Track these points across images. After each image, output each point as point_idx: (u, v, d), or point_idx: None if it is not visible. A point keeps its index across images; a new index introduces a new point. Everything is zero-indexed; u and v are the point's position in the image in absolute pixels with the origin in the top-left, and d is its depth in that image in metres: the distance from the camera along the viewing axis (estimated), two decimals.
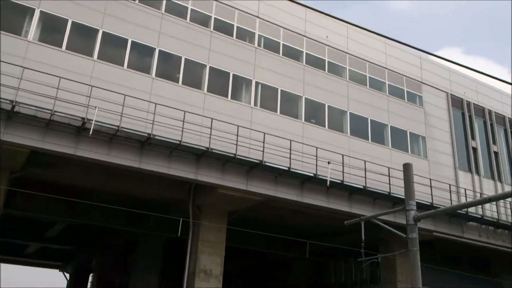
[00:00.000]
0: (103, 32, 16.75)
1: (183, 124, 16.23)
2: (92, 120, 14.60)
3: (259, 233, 18.44)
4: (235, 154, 16.87)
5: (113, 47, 17.06)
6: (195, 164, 16.81)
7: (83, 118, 14.63)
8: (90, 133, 14.52)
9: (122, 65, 16.74)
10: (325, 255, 24.21)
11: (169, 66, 18.02)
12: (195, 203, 18.52)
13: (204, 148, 16.45)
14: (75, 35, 16.24)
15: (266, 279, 32.37)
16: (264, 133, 18.01)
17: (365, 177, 19.92)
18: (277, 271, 30.57)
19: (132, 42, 17.21)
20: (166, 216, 17.56)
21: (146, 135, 15.54)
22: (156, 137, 15.67)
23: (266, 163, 17.44)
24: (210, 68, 18.62)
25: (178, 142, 15.94)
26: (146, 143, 15.76)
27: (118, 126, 15.06)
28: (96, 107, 14.78)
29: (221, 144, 16.86)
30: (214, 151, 16.62)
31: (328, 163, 18.65)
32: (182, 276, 18.24)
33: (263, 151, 17.53)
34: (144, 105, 16.12)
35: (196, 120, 16.92)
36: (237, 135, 17.24)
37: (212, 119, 17.02)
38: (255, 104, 19.27)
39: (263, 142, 17.72)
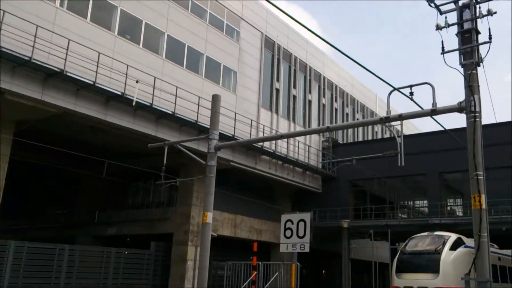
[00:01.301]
0: None
1: None
2: None
3: (52, 148, 16.85)
4: (30, 58, 14.72)
5: None
6: None
7: None
8: None
9: None
10: (124, 175, 23.72)
11: None
12: None
13: None
14: None
15: (56, 195, 30.46)
16: (69, 40, 16.06)
17: (175, 103, 19.80)
18: (69, 188, 28.97)
19: None
20: None
21: None
22: None
23: (68, 73, 15.72)
24: None
25: None
26: None
27: None
28: None
29: (14, 44, 14.44)
30: (3, 50, 14.14)
31: (137, 82, 17.82)
32: None
33: (65, 59, 15.70)
34: None
35: None
36: (35, 36, 14.96)
37: (3, 11, 14.31)
38: (61, 5, 16.88)
39: (67, 49, 15.83)
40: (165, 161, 12.91)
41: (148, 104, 18.54)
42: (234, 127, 22.76)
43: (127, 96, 17.65)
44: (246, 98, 25.49)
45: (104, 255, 21.39)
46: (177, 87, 20.12)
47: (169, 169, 13.55)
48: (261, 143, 24.19)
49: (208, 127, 12.79)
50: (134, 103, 17.71)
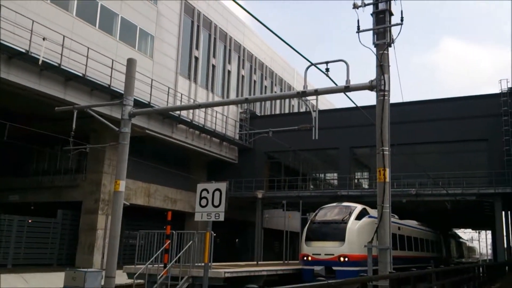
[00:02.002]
0: None
1: None
2: None
3: None
4: None
5: None
6: None
7: None
8: None
9: None
10: (29, 140, 22.06)
11: None
12: None
13: None
14: None
15: None
16: None
17: (86, 65, 18.64)
18: None
19: None
20: None
21: None
22: None
23: None
24: None
25: None
26: None
27: None
28: None
29: None
30: None
31: (43, 39, 16.46)
32: None
33: None
34: None
35: None
36: None
37: None
38: None
39: None
40: (74, 126, 12.13)
41: (56, 65, 17.29)
42: (150, 94, 22.02)
43: (32, 55, 16.28)
44: (164, 65, 24.69)
45: (5, 223, 20.05)
46: (88, 48, 18.93)
47: (78, 134, 12.80)
48: (178, 112, 23.74)
49: (122, 92, 12.19)
50: (40, 62, 16.41)
